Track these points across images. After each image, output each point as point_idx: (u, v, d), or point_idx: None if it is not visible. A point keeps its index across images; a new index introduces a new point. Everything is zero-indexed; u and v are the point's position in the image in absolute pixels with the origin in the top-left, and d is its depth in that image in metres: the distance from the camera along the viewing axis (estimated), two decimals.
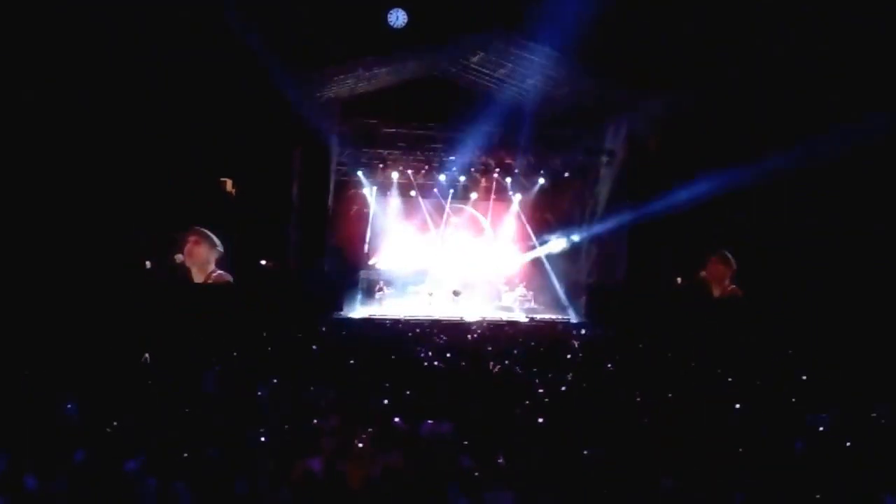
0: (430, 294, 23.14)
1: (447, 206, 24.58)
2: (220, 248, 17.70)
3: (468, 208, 24.90)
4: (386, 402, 8.22)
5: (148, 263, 17.64)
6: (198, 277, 17.62)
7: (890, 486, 5.77)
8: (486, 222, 25.24)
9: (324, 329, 15.89)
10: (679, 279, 20.08)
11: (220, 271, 17.75)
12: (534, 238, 24.48)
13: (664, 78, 16.62)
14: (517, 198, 24.61)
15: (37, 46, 14.98)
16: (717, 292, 19.63)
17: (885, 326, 14.49)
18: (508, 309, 22.76)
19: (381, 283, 23.01)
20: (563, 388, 9.43)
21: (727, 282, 19.69)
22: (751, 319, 17.85)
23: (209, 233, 17.70)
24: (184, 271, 17.57)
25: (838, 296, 17.80)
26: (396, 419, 7.49)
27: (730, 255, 19.55)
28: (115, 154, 17.08)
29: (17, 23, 14.11)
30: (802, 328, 16.06)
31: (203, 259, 17.70)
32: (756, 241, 20.14)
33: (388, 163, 23.00)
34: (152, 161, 17.47)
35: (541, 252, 24.23)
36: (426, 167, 23.19)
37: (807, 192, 18.95)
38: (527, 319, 20.67)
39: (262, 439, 6.68)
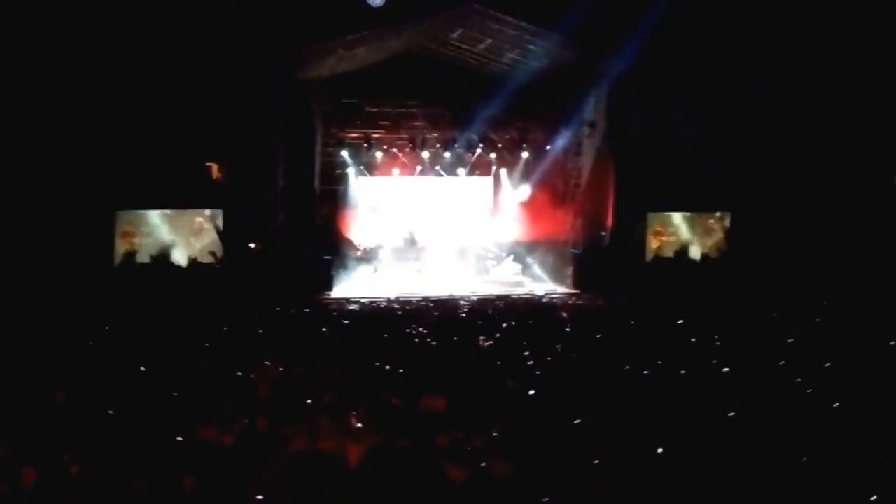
0: (419, 271, 23.16)
1: (431, 183, 24.52)
2: None
3: (452, 184, 24.80)
4: (379, 379, 8.27)
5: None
6: None
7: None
8: (470, 197, 25.21)
9: (314, 310, 15.91)
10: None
11: None
12: (520, 212, 24.49)
13: (640, 46, 16.68)
14: (502, 172, 24.61)
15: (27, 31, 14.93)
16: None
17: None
18: (497, 283, 22.79)
19: (374, 263, 22.94)
20: (553, 359, 9.51)
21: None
22: (738, 281, 18.11)
23: None
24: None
25: (828, 256, 18.00)
26: (390, 395, 7.53)
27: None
28: (101, 142, 17.03)
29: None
30: (791, 291, 16.25)
31: None
32: (741, 205, 20.38)
33: (373, 142, 22.94)
34: (139, 148, 17.44)
35: (526, 225, 24.28)
36: (410, 145, 23.14)
37: (793, 154, 19.13)
38: (516, 292, 20.75)
39: (256, 419, 6.72)
